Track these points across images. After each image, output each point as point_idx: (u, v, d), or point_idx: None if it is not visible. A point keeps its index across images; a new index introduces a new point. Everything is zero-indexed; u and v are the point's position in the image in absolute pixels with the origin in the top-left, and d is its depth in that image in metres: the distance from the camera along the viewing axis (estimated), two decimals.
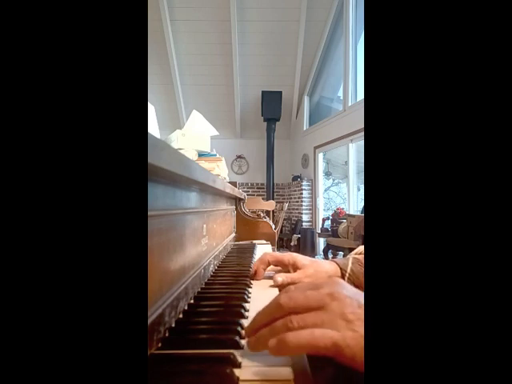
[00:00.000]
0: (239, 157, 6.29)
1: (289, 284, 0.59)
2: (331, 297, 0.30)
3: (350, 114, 4.25)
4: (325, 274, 0.60)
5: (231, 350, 0.33)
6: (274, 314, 0.32)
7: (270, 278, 0.68)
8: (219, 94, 5.54)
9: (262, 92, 5.28)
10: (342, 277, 0.61)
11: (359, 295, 0.31)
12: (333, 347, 0.27)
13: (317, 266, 0.61)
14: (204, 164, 1.32)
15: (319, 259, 0.64)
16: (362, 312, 0.28)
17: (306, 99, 5.63)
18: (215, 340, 0.35)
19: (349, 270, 0.61)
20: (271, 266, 0.67)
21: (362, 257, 0.64)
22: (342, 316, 0.29)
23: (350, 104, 4.34)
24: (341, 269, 0.61)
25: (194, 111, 1.52)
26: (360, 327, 0.27)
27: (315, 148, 5.26)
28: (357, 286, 0.60)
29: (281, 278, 0.59)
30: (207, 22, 4.75)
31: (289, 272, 0.62)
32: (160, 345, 0.35)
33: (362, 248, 0.67)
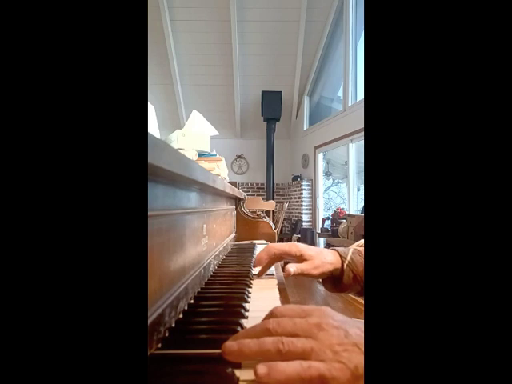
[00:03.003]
0: (239, 157, 6.29)
1: (298, 275, 0.60)
2: (318, 327, 0.30)
3: (350, 114, 4.25)
4: (330, 265, 0.61)
5: None
6: (261, 334, 0.32)
7: (271, 277, 0.68)
8: (219, 93, 5.54)
9: (262, 92, 5.28)
10: (342, 264, 0.62)
11: (346, 324, 0.31)
12: (319, 379, 0.27)
13: (323, 258, 0.62)
14: (204, 164, 1.32)
15: (323, 249, 0.65)
16: (348, 342, 0.29)
17: (306, 99, 5.62)
18: (215, 340, 0.35)
19: (348, 258, 0.62)
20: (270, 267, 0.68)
21: (362, 248, 0.65)
22: (329, 347, 0.29)
23: (350, 104, 4.34)
24: (341, 256, 0.63)
25: (194, 111, 1.52)
26: (346, 358, 0.28)
27: (315, 148, 5.25)
28: (355, 274, 0.62)
29: (293, 268, 0.59)
30: (207, 21, 4.75)
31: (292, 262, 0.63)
32: (160, 345, 0.35)
33: (362, 241, 0.68)
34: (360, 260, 0.62)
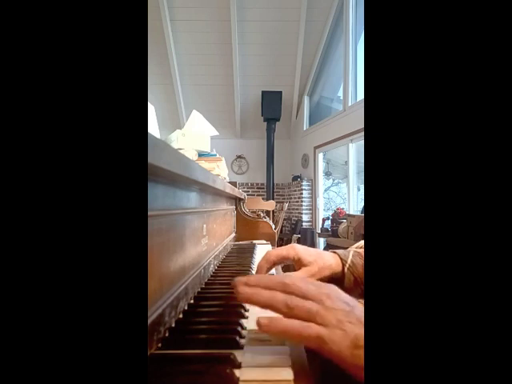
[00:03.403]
0: (239, 157, 6.28)
1: None
2: (328, 296, 0.32)
3: (350, 114, 4.25)
4: (328, 270, 0.60)
5: (231, 350, 0.33)
6: (276, 286, 0.33)
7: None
8: (219, 94, 5.54)
9: (262, 92, 5.28)
10: (343, 267, 0.61)
11: (353, 302, 0.33)
12: (316, 339, 0.29)
13: (321, 263, 0.61)
14: (204, 164, 1.32)
15: (323, 252, 0.64)
16: (353, 316, 0.30)
17: (306, 99, 5.62)
18: (215, 340, 0.35)
19: (349, 261, 0.62)
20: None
21: (362, 250, 0.64)
22: (333, 314, 0.30)
23: (350, 104, 4.34)
24: (341, 259, 0.62)
25: (194, 111, 1.52)
26: (349, 328, 0.29)
27: (315, 148, 5.25)
28: (355, 277, 0.61)
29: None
30: (207, 21, 4.75)
31: (287, 267, 0.62)
32: (160, 345, 0.35)
33: (362, 242, 0.67)
34: (360, 262, 0.62)
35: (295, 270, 0.61)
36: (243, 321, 0.41)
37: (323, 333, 0.29)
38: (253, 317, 0.43)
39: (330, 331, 0.29)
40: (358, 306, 0.32)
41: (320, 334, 0.29)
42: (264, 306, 0.32)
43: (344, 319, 0.30)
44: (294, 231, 5.34)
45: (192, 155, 1.32)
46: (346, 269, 0.61)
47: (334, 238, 3.92)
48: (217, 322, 0.41)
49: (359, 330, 0.29)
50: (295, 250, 0.62)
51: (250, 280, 0.34)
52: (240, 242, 1.20)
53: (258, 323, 0.30)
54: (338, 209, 4.33)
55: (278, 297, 0.32)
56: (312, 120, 5.59)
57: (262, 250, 1.06)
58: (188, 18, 4.72)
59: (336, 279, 0.62)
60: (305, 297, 0.32)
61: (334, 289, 0.34)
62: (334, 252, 0.64)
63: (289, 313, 0.31)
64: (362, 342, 0.28)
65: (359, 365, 0.28)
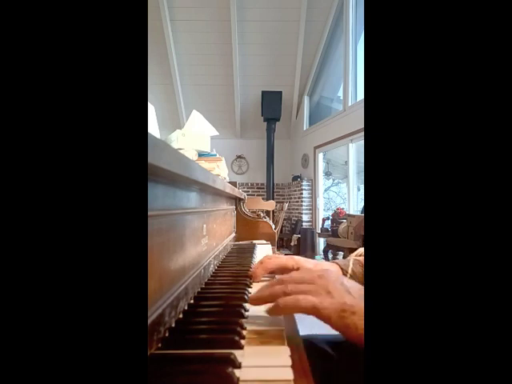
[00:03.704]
0: (239, 157, 6.29)
1: None
2: (320, 277, 0.39)
3: (350, 114, 4.25)
4: None
5: (231, 350, 0.33)
6: (275, 283, 0.41)
7: (270, 279, 0.67)
8: (219, 94, 5.54)
9: (262, 92, 5.28)
10: None
11: (343, 278, 0.39)
12: (312, 308, 0.35)
13: (320, 269, 0.61)
14: (204, 164, 1.32)
15: (322, 262, 0.64)
16: (341, 288, 0.37)
17: (306, 99, 5.62)
18: (215, 340, 0.35)
19: (350, 271, 0.61)
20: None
21: (362, 258, 0.64)
22: (324, 288, 0.37)
23: (350, 104, 4.34)
24: (342, 269, 0.62)
25: (194, 111, 1.52)
26: (337, 297, 0.35)
27: (315, 148, 5.25)
28: None
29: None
30: (207, 21, 4.75)
31: None
32: (160, 345, 0.35)
33: (362, 250, 0.67)
34: (361, 271, 0.61)
35: None
36: (243, 321, 0.41)
37: (316, 302, 0.35)
38: (253, 316, 0.43)
39: (321, 300, 0.35)
40: (348, 280, 0.39)
41: (314, 303, 0.35)
42: (268, 299, 0.38)
43: (332, 290, 0.36)
44: (293, 231, 5.34)
45: (192, 155, 1.32)
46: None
47: (334, 237, 3.92)
48: (217, 322, 0.41)
49: (346, 297, 0.35)
50: (294, 259, 0.62)
51: (259, 289, 0.42)
52: (240, 242, 1.20)
53: (267, 311, 0.37)
54: (337, 209, 4.33)
55: (276, 288, 0.39)
56: (312, 120, 5.59)
57: (262, 249, 1.06)
58: (188, 18, 4.72)
59: None
60: (300, 283, 0.39)
61: (326, 270, 0.41)
62: (335, 262, 0.64)
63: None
64: (347, 306, 0.34)
65: (345, 324, 0.34)
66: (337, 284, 0.37)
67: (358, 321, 0.33)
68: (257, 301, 0.40)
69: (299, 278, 0.40)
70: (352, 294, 0.36)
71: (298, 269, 0.61)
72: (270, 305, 0.39)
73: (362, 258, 0.64)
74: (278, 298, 0.38)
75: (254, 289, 0.59)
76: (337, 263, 0.63)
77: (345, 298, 0.35)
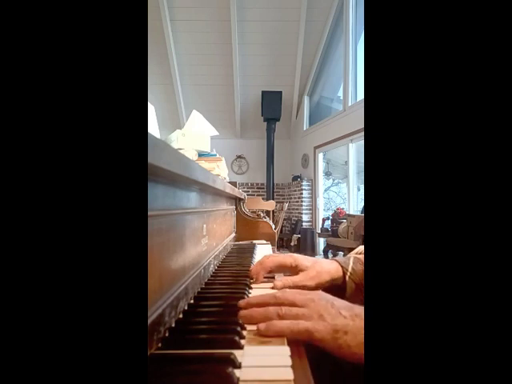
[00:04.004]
0: (239, 157, 6.29)
1: (290, 287, 0.59)
2: (312, 300, 0.40)
3: (350, 114, 4.25)
4: (327, 274, 0.60)
5: (231, 350, 0.33)
6: (269, 301, 0.41)
7: (270, 279, 0.67)
8: (219, 94, 5.54)
9: (262, 92, 5.28)
10: (344, 275, 0.61)
11: (334, 299, 0.40)
12: (305, 332, 0.36)
13: (319, 267, 0.60)
14: (204, 164, 1.32)
15: (321, 259, 0.64)
16: (333, 310, 0.37)
17: (306, 99, 5.63)
18: (215, 340, 0.35)
19: (350, 269, 0.61)
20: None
21: (362, 256, 0.64)
22: (317, 313, 0.38)
23: (350, 104, 4.34)
24: (342, 267, 0.61)
25: (194, 111, 1.52)
26: (329, 320, 0.36)
27: (315, 148, 5.25)
28: (357, 284, 0.60)
29: (281, 282, 0.58)
30: (207, 21, 4.75)
31: (290, 274, 0.62)
32: (160, 345, 0.35)
33: (362, 248, 0.67)
34: (361, 268, 0.61)
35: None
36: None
37: (309, 326, 0.36)
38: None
39: (314, 324, 0.36)
40: (338, 301, 0.39)
41: (307, 327, 0.36)
42: (262, 320, 0.38)
43: (324, 313, 0.37)
44: (294, 231, 5.34)
45: (192, 155, 1.32)
46: (347, 277, 0.60)
47: (334, 237, 3.92)
48: (217, 322, 0.41)
49: (337, 319, 0.36)
50: (293, 257, 0.61)
51: (250, 301, 0.43)
52: (240, 242, 1.20)
53: (258, 329, 0.37)
54: (338, 209, 4.33)
55: (270, 310, 0.39)
56: (312, 120, 5.59)
57: (262, 249, 1.06)
58: (188, 18, 4.72)
59: (337, 287, 0.61)
60: (293, 305, 0.40)
61: (318, 293, 0.41)
62: (335, 259, 0.63)
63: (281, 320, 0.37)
64: (339, 327, 0.35)
65: (338, 344, 0.35)
66: (328, 307, 0.38)
67: (351, 341, 0.34)
68: (250, 320, 0.40)
69: (291, 298, 0.40)
70: (343, 314, 0.37)
71: (296, 267, 0.61)
72: (260, 324, 0.38)
73: (362, 256, 0.64)
74: (271, 320, 0.38)
75: (254, 289, 0.59)
76: (337, 261, 0.63)
77: (336, 319, 0.36)
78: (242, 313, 0.40)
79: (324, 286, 0.60)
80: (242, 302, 0.42)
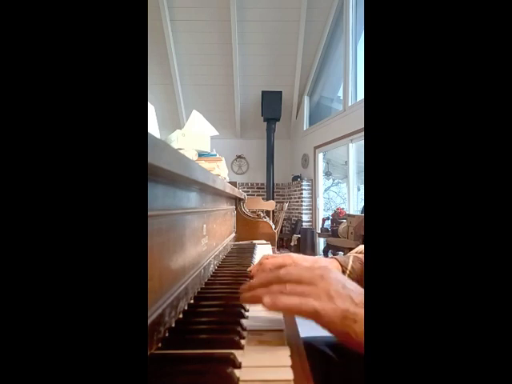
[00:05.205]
0: (239, 157, 6.28)
1: None
2: (321, 277, 0.36)
3: (350, 114, 4.25)
4: None
5: (231, 350, 0.33)
6: (272, 281, 0.38)
7: None
8: (219, 94, 5.54)
9: (262, 92, 5.28)
10: (343, 274, 0.61)
11: (345, 280, 0.37)
12: (313, 312, 0.33)
13: (318, 267, 0.60)
14: (204, 164, 1.32)
15: (320, 258, 0.64)
16: (344, 292, 0.35)
17: (306, 99, 5.62)
18: (215, 340, 0.35)
19: (349, 268, 0.61)
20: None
21: (362, 255, 0.64)
22: (326, 292, 0.35)
23: (350, 104, 4.34)
24: (342, 266, 0.62)
25: (194, 111, 1.52)
26: (339, 303, 0.34)
27: (315, 148, 5.25)
28: (356, 283, 0.60)
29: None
30: (207, 21, 4.75)
31: None
32: (160, 345, 0.35)
33: (362, 247, 0.67)
34: (361, 268, 0.61)
35: None
36: (243, 321, 0.41)
37: (318, 306, 0.33)
38: (253, 316, 0.43)
39: (323, 304, 0.34)
40: (349, 283, 0.36)
41: (315, 307, 0.33)
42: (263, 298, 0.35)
43: (335, 295, 0.34)
44: (293, 231, 5.34)
45: (192, 155, 1.32)
46: (346, 275, 0.61)
47: (334, 238, 3.92)
48: (217, 322, 0.41)
49: (347, 304, 0.33)
50: (292, 257, 0.61)
51: (252, 284, 0.39)
52: (240, 242, 1.20)
53: (263, 302, 0.34)
54: (338, 209, 4.33)
55: (274, 288, 0.36)
56: (312, 120, 5.58)
57: (262, 250, 1.06)
58: (188, 18, 4.72)
59: None
60: (299, 282, 0.36)
61: (328, 269, 0.38)
62: (334, 258, 0.64)
63: None
64: (349, 313, 0.33)
65: (347, 332, 0.32)
66: (339, 287, 0.35)
67: (359, 329, 0.32)
68: (249, 300, 0.37)
69: (297, 275, 0.37)
70: (354, 300, 0.34)
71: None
72: (265, 296, 0.36)
73: (361, 256, 0.64)
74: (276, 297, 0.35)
75: None
76: (336, 259, 0.63)
77: (347, 304, 0.34)
78: (245, 295, 0.38)
79: None
80: (244, 286, 0.40)
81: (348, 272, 0.61)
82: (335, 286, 0.35)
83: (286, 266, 0.61)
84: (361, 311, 0.33)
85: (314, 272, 0.37)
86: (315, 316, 0.33)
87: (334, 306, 0.33)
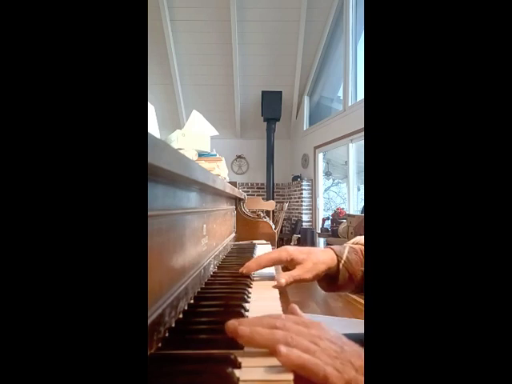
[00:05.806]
0: (239, 157, 6.28)
1: (292, 283, 0.59)
2: (319, 337, 0.34)
3: (350, 114, 4.25)
4: (323, 265, 0.60)
5: (231, 350, 0.33)
6: (274, 325, 0.34)
7: (270, 278, 0.67)
8: (219, 94, 5.54)
9: (262, 92, 5.28)
10: (338, 263, 0.61)
11: (340, 341, 0.34)
12: (322, 377, 0.30)
13: (315, 259, 0.60)
14: (204, 164, 1.32)
15: (315, 248, 0.63)
16: (344, 357, 0.32)
17: (306, 99, 5.62)
18: (215, 340, 0.35)
19: (344, 258, 0.61)
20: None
21: (358, 246, 0.64)
22: (328, 356, 0.32)
23: (350, 104, 4.34)
24: (337, 255, 0.62)
25: (194, 111, 1.52)
26: (342, 370, 0.31)
27: (315, 148, 5.25)
28: (350, 274, 0.61)
29: (284, 279, 0.58)
30: (207, 22, 4.75)
31: (286, 268, 0.62)
32: (160, 345, 0.35)
33: (358, 238, 0.67)
34: (356, 259, 0.62)
35: (288, 270, 0.61)
36: None
37: (330, 373, 0.30)
38: (253, 316, 0.43)
39: (332, 370, 0.30)
40: (344, 343, 0.34)
41: (327, 374, 0.30)
42: (265, 344, 0.32)
43: (337, 361, 0.31)
44: (294, 231, 5.34)
45: (192, 155, 1.32)
46: (341, 265, 0.61)
47: (334, 238, 3.92)
48: (217, 322, 0.41)
49: (351, 373, 0.30)
50: (287, 251, 0.61)
51: (243, 322, 0.35)
52: (240, 242, 1.20)
53: (279, 352, 0.31)
54: (337, 209, 4.33)
55: (278, 335, 0.33)
56: (312, 120, 5.58)
57: (262, 250, 1.06)
58: (188, 18, 4.72)
59: (330, 275, 0.62)
60: (301, 335, 0.33)
61: (321, 328, 0.36)
62: (329, 247, 0.64)
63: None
64: (351, 382, 0.30)
65: None
66: (338, 352, 0.32)
67: None
68: (250, 341, 0.33)
69: (295, 331, 0.34)
70: (354, 365, 0.31)
71: (291, 260, 0.61)
72: (280, 345, 0.32)
73: (357, 246, 0.64)
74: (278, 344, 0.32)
75: (254, 288, 0.59)
76: (332, 249, 0.63)
77: (347, 371, 0.31)
78: (242, 330, 0.33)
79: (321, 277, 0.61)
80: (233, 322, 0.35)
81: (343, 262, 0.61)
82: (334, 350, 0.33)
83: (282, 260, 0.61)
84: (361, 379, 0.30)
85: (311, 331, 0.35)
86: (323, 381, 0.30)
87: (339, 375, 0.31)
